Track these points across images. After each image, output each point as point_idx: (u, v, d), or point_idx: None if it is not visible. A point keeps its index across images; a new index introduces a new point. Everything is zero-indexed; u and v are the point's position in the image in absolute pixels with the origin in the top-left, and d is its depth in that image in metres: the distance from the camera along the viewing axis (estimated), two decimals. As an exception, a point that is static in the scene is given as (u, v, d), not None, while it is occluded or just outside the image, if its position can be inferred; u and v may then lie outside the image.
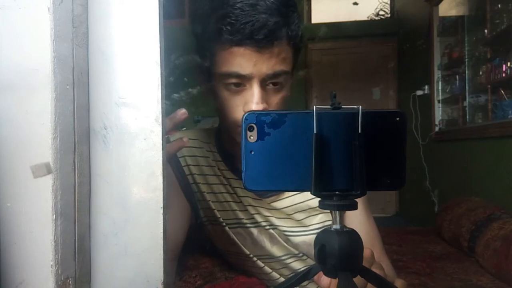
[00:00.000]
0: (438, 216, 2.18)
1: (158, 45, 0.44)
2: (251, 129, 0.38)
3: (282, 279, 0.84)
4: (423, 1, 3.39)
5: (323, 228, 0.40)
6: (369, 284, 0.43)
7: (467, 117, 2.79)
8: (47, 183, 0.39)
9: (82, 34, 0.44)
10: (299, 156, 0.38)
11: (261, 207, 0.79)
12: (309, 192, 0.37)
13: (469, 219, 1.80)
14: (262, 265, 0.82)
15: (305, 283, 0.76)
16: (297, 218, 0.80)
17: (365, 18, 4.63)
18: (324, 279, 0.41)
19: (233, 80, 0.65)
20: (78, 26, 0.43)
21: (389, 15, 4.62)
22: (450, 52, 3.09)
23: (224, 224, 0.80)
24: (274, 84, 0.66)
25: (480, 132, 2.48)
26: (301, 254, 0.82)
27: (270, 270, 0.83)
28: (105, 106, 0.44)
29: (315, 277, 0.41)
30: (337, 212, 0.38)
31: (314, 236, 0.40)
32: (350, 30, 4.30)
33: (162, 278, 0.44)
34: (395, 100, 4.42)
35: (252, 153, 0.38)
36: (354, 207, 0.38)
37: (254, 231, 0.80)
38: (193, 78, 0.75)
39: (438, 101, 3.24)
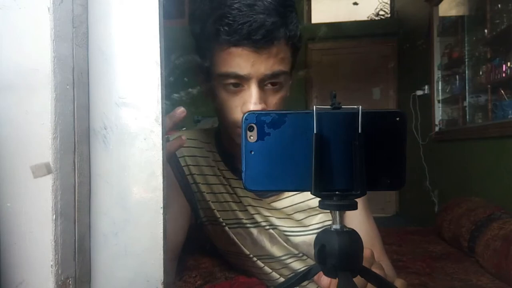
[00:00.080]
0: (438, 216, 2.18)
1: (158, 45, 0.44)
2: (251, 129, 0.38)
3: (282, 279, 0.84)
4: (423, 1, 3.39)
5: (323, 228, 0.40)
6: (369, 284, 0.43)
7: (467, 117, 2.79)
8: (47, 183, 0.39)
9: (82, 34, 0.44)
10: (299, 156, 0.38)
11: (261, 207, 0.79)
12: (309, 192, 0.37)
13: (469, 219, 1.80)
14: (262, 265, 0.82)
15: (305, 283, 0.76)
16: (297, 218, 0.80)
17: (365, 18, 4.63)
18: (324, 279, 0.41)
19: (231, 81, 0.65)
20: (78, 26, 0.43)
21: (389, 15, 4.62)
22: (450, 52, 3.09)
23: (224, 224, 0.80)
24: (273, 84, 0.66)
25: (480, 132, 2.48)
26: (301, 254, 0.82)
27: (270, 270, 0.83)
28: (105, 106, 0.44)
29: (315, 277, 0.41)
30: (337, 212, 0.38)
31: (314, 236, 0.40)
32: (350, 30, 4.30)
33: (162, 278, 0.44)
34: (395, 100, 4.42)
35: (252, 153, 0.38)
36: (354, 207, 0.38)
37: (254, 231, 0.80)
38: (193, 78, 0.75)
39: (438, 101, 3.24)
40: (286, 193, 0.78)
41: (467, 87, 2.79)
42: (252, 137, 0.38)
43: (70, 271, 0.42)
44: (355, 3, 4.76)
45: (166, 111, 0.46)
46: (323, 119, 0.38)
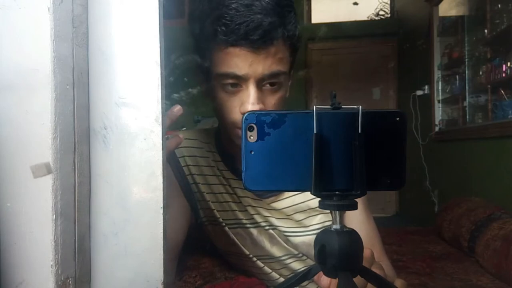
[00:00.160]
0: (438, 216, 2.18)
1: (158, 45, 0.44)
2: (251, 129, 0.38)
3: (281, 279, 0.84)
4: (423, 1, 3.39)
5: (323, 229, 0.40)
6: (369, 284, 0.43)
7: (467, 117, 2.79)
8: (47, 183, 0.39)
9: (82, 34, 0.44)
10: (299, 156, 0.38)
11: (260, 208, 0.79)
12: (309, 192, 0.37)
13: (469, 219, 1.80)
14: (262, 265, 0.82)
15: (305, 283, 0.76)
16: (297, 219, 0.80)
17: (365, 18, 4.63)
18: (324, 279, 0.41)
19: (230, 81, 0.65)
20: (78, 26, 0.43)
21: (389, 15, 4.62)
22: (450, 52, 3.09)
23: (224, 224, 0.80)
24: (271, 84, 0.66)
25: (480, 132, 2.48)
26: (300, 255, 0.82)
27: (270, 270, 0.83)
28: (105, 106, 0.44)
29: (315, 277, 0.41)
30: (337, 212, 0.38)
31: (314, 236, 0.40)
32: (350, 30, 4.30)
33: (162, 278, 0.44)
34: (395, 100, 4.42)
35: (252, 153, 0.38)
36: (354, 207, 0.38)
37: (254, 231, 0.80)
38: (193, 78, 0.75)
39: (438, 101, 3.24)
40: (286, 193, 0.78)
41: (467, 87, 2.79)
42: (252, 137, 0.38)
43: (70, 271, 0.42)
44: (355, 3, 4.76)
45: (166, 111, 0.46)
46: (323, 119, 0.38)
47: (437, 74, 3.24)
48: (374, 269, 0.45)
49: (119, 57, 0.44)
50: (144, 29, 0.44)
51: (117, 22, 0.44)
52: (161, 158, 0.44)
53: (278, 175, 0.38)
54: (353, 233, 0.38)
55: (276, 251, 0.81)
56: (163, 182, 0.44)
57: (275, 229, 0.80)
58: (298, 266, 0.83)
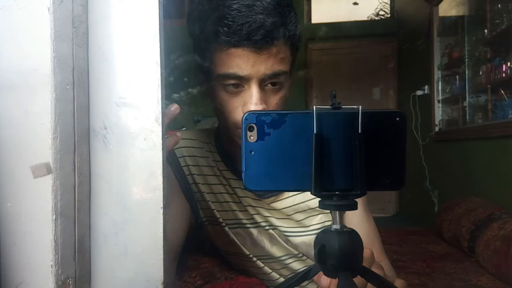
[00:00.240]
0: (438, 216, 2.18)
1: (158, 45, 0.44)
2: (251, 129, 0.38)
3: (281, 279, 0.84)
4: (423, 1, 3.39)
5: (323, 229, 0.40)
6: (369, 284, 0.43)
7: (467, 117, 2.79)
8: (47, 183, 0.39)
9: (82, 34, 0.44)
10: (299, 156, 0.38)
11: (260, 208, 0.79)
12: (309, 192, 0.37)
13: (469, 219, 1.80)
14: (262, 265, 0.82)
15: (305, 283, 0.76)
16: (297, 219, 0.80)
17: (365, 18, 4.63)
18: (324, 279, 0.41)
19: (232, 81, 0.65)
20: (78, 26, 0.43)
21: (389, 15, 4.62)
22: (450, 52, 3.09)
23: (224, 224, 0.80)
24: (273, 84, 0.66)
25: (480, 132, 2.48)
26: (300, 255, 0.82)
27: (270, 270, 0.83)
28: (105, 106, 0.44)
29: (315, 277, 0.41)
30: (337, 212, 0.38)
31: (314, 236, 0.40)
32: (350, 30, 4.30)
33: (162, 278, 0.44)
34: (395, 100, 4.42)
35: (252, 153, 0.38)
36: (354, 207, 0.38)
37: (254, 231, 0.80)
38: (193, 78, 0.75)
39: (438, 101, 3.24)
40: (286, 193, 0.78)
41: (467, 87, 2.79)
42: (252, 137, 0.38)
43: (70, 271, 0.42)
44: (355, 3, 4.76)
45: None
46: (323, 119, 0.38)
47: (437, 74, 3.24)
48: (374, 269, 0.45)
49: (119, 57, 0.44)
50: (144, 29, 0.44)
51: (117, 22, 0.44)
52: (161, 158, 0.44)
53: (278, 175, 0.38)
54: (353, 233, 0.38)
55: (276, 251, 0.81)
56: (163, 182, 0.44)
57: (275, 229, 0.80)
58: (298, 266, 0.83)
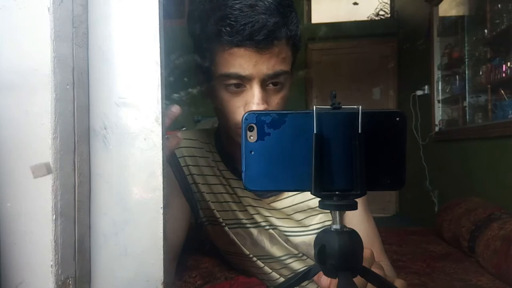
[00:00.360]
0: (438, 216, 2.18)
1: (158, 45, 0.44)
2: (251, 129, 0.38)
3: (282, 279, 0.84)
4: (423, 1, 3.39)
5: (323, 228, 0.40)
6: (369, 284, 0.43)
7: (467, 117, 2.79)
8: (47, 183, 0.39)
9: (82, 34, 0.44)
10: (299, 156, 0.38)
11: (260, 207, 0.79)
12: (309, 192, 0.37)
13: (469, 219, 1.80)
14: (262, 265, 0.82)
15: (305, 283, 0.76)
16: (297, 218, 0.80)
17: (365, 18, 4.62)
18: (324, 279, 0.41)
19: (233, 81, 0.65)
20: (78, 26, 0.43)
21: (389, 15, 4.62)
22: (450, 52, 3.09)
23: (224, 224, 0.80)
24: (274, 84, 0.66)
25: (480, 132, 2.48)
26: (300, 254, 0.82)
27: (270, 270, 0.83)
28: (105, 106, 0.44)
29: (315, 277, 0.41)
30: (337, 212, 0.38)
31: (314, 236, 0.40)
32: (350, 30, 4.30)
33: (162, 278, 0.44)
34: (395, 100, 4.42)
35: (252, 153, 0.38)
36: (354, 207, 0.38)
37: (254, 231, 0.80)
38: (193, 78, 0.75)
39: (438, 101, 3.24)
40: (286, 193, 0.78)
41: (467, 87, 2.79)
42: (252, 137, 0.38)
43: (70, 271, 0.42)
44: (355, 3, 4.76)
45: (166, 111, 0.46)
46: (323, 119, 0.38)
47: (437, 74, 3.24)
48: (374, 269, 0.45)
49: (119, 57, 0.44)
50: (144, 29, 0.44)
51: (117, 22, 0.44)
52: (161, 158, 0.44)
53: (278, 175, 0.38)
54: (353, 233, 0.38)
55: (276, 251, 0.81)
56: (163, 182, 0.44)
57: (275, 229, 0.80)
58: (298, 266, 0.83)
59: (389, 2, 4.62)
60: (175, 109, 0.56)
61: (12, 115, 0.40)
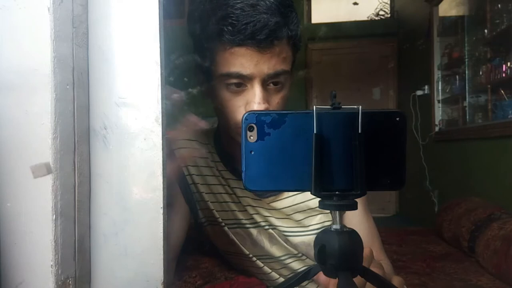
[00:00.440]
0: (438, 216, 2.18)
1: (158, 45, 0.44)
2: (251, 129, 0.38)
3: (281, 279, 0.84)
4: (423, 1, 3.39)
5: (322, 229, 0.40)
6: (368, 284, 0.43)
7: (467, 117, 2.79)
8: (47, 183, 0.39)
9: (82, 34, 0.44)
10: (299, 156, 0.38)
11: (260, 207, 0.79)
12: (309, 192, 0.37)
13: (469, 219, 1.80)
14: (262, 265, 0.82)
15: (305, 283, 0.76)
16: (296, 219, 0.80)
17: (365, 18, 4.62)
18: (323, 276, 0.41)
19: (234, 81, 0.65)
20: (78, 26, 0.43)
21: (389, 15, 4.62)
22: (450, 52, 3.09)
23: (223, 224, 0.80)
24: (275, 83, 0.66)
25: (480, 132, 2.48)
26: (300, 255, 0.82)
27: (270, 270, 0.83)
28: (105, 106, 0.44)
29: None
30: (337, 212, 0.38)
31: (313, 236, 0.40)
32: (350, 30, 4.30)
33: (162, 278, 0.44)
34: (395, 100, 4.42)
35: (252, 153, 0.38)
36: (354, 207, 0.38)
37: (254, 231, 0.80)
38: (193, 78, 0.75)
39: (438, 101, 3.24)
40: (286, 193, 0.78)
41: (467, 87, 2.79)
42: (252, 137, 0.38)
43: (70, 271, 0.42)
44: (355, 3, 4.76)
45: (166, 111, 0.46)
46: (323, 119, 0.38)
47: (437, 74, 3.24)
48: (373, 268, 0.45)
49: (119, 57, 0.44)
50: (144, 29, 0.44)
51: (117, 22, 0.44)
52: (161, 158, 0.44)
53: (278, 175, 0.38)
54: (353, 233, 0.38)
55: (275, 251, 0.81)
56: (163, 182, 0.44)
57: (275, 229, 0.80)
58: (297, 266, 0.83)
59: (389, 2, 4.62)
60: (195, 119, 0.55)
61: (12, 115, 0.40)
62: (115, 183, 0.45)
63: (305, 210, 0.79)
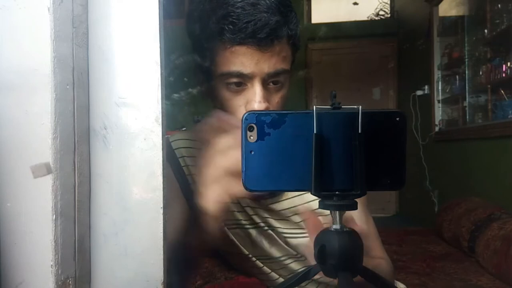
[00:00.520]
0: (438, 216, 2.18)
1: (158, 45, 0.44)
2: (251, 129, 0.38)
3: (281, 280, 0.84)
4: (423, 1, 3.39)
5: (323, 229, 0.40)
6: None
7: (467, 117, 2.79)
8: (47, 183, 0.39)
9: (82, 34, 0.44)
10: (299, 156, 0.38)
11: (259, 208, 0.79)
12: (308, 194, 0.37)
13: (469, 219, 1.80)
14: (261, 265, 0.82)
15: (304, 283, 0.76)
16: (295, 220, 0.80)
17: (365, 18, 4.63)
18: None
19: (235, 80, 0.65)
20: (78, 26, 0.43)
21: (389, 15, 4.62)
22: (450, 52, 3.09)
23: (223, 224, 0.80)
24: (275, 83, 0.66)
25: (480, 132, 2.48)
26: (299, 255, 0.82)
27: (269, 271, 0.83)
28: (105, 106, 0.44)
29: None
30: (337, 212, 0.38)
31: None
32: (350, 30, 4.30)
33: (162, 278, 0.44)
34: (395, 100, 4.42)
35: (252, 153, 0.38)
36: (354, 207, 0.38)
37: (253, 232, 0.80)
38: (193, 78, 0.75)
39: (438, 101, 3.25)
40: (284, 195, 0.78)
41: (467, 87, 2.79)
42: (252, 137, 0.38)
43: (70, 271, 0.42)
44: (355, 3, 4.76)
45: (166, 111, 0.46)
46: (323, 119, 0.38)
47: (437, 74, 3.24)
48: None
49: (119, 57, 0.44)
50: (144, 29, 0.44)
51: (117, 22, 0.44)
52: (161, 158, 0.44)
53: (278, 175, 0.38)
54: (353, 233, 0.38)
55: (275, 252, 0.81)
56: (163, 182, 0.44)
57: (274, 230, 0.80)
58: (297, 266, 0.83)
59: (389, 2, 4.63)
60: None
61: (12, 115, 0.40)
62: (115, 183, 0.45)
63: (303, 212, 0.79)
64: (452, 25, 3.05)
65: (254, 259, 0.82)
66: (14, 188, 0.41)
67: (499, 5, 2.35)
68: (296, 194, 0.78)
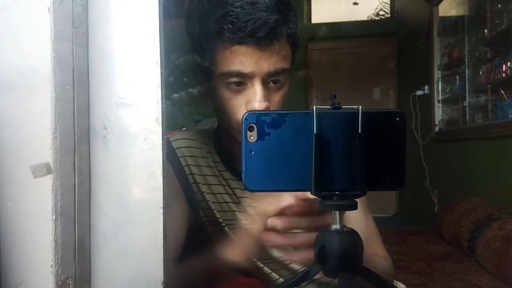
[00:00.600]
0: (438, 216, 2.18)
1: (158, 45, 0.44)
2: (251, 129, 0.38)
3: (281, 280, 0.84)
4: (423, 1, 3.39)
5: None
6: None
7: (467, 117, 2.79)
8: (47, 183, 0.39)
9: (82, 34, 0.44)
10: (299, 156, 0.38)
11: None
12: (309, 193, 0.37)
13: (469, 219, 1.80)
14: (262, 265, 0.82)
15: (304, 283, 0.76)
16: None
17: (365, 18, 4.63)
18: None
19: (234, 79, 0.65)
20: (78, 26, 0.43)
21: (389, 15, 4.62)
22: (450, 52, 3.09)
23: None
24: (275, 82, 0.66)
25: (480, 132, 2.48)
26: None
27: (270, 271, 0.83)
28: (105, 106, 0.44)
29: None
30: (337, 212, 0.38)
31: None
32: (350, 30, 4.30)
33: (162, 278, 0.44)
34: (395, 100, 4.42)
35: (252, 153, 0.38)
36: (354, 207, 0.38)
37: (254, 231, 0.80)
38: (192, 78, 0.75)
39: (438, 101, 3.24)
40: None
41: (467, 87, 2.79)
42: (252, 137, 0.38)
43: (70, 271, 0.42)
44: (355, 3, 4.76)
45: (166, 111, 0.46)
46: (323, 119, 0.38)
47: (437, 74, 3.24)
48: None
49: (119, 57, 0.44)
50: (144, 29, 0.44)
51: (117, 22, 0.44)
52: (161, 158, 0.44)
53: (278, 175, 0.38)
54: (353, 233, 0.38)
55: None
56: (163, 182, 0.44)
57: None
58: (297, 267, 0.83)
59: (389, 2, 4.63)
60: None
61: (12, 115, 0.40)
62: (115, 183, 0.45)
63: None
64: (452, 25, 3.05)
65: (254, 259, 0.82)
66: (14, 188, 0.41)
67: (499, 5, 2.34)
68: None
